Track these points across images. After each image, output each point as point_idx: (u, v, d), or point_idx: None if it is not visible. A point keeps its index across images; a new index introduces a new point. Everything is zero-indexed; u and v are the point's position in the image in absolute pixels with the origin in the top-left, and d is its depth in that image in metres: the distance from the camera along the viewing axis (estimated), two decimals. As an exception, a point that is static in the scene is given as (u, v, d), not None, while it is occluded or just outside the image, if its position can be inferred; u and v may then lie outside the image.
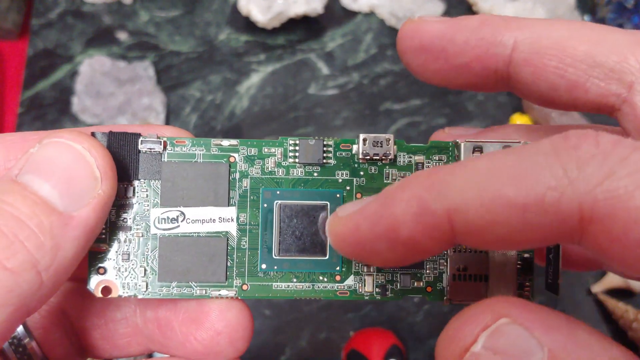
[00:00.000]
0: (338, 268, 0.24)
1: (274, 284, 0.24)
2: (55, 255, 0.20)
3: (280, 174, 0.25)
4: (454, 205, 0.17)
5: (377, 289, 0.24)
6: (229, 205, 0.24)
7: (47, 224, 0.20)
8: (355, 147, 0.25)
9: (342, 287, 0.24)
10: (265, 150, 0.25)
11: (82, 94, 0.67)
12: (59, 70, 0.69)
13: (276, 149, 0.25)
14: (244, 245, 0.25)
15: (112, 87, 0.67)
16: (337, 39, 0.70)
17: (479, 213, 0.17)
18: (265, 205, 0.25)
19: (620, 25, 0.67)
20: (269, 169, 0.25)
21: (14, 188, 0.20)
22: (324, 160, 0.25)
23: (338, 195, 0.25)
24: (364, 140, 0.24)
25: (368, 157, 0.24)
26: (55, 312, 0.27)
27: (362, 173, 0.25)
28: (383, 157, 0.25)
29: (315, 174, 0.25)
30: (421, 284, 0.24)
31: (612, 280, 0.61)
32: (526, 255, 0.24)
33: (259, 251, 0.25)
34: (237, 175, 0.25)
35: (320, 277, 0.25)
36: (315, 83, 0.69)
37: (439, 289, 0.24)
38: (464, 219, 0.17)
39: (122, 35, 0.70)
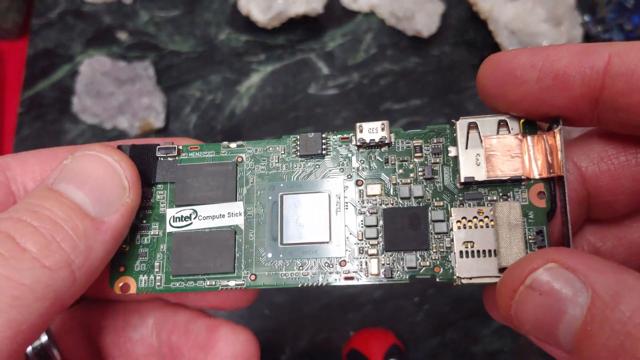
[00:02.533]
0: (341, 253, 0.25)
1: (280, 273, 0.25)
2: (88, 256, 0.22)
3: (284, 169, 0.26)
4: (616, 50, 0.20)
5: (382, 272, 0.25)
6: (236, 201, 0.26)
7: (81, 227, 0.22)
8: (354, 138, 0.26)
9: (347, 272, 0.25)
10: (270, 148, 0.26)
11: (82, 94, 0.67)
12: (59, 70, 0.69)
13: (279, 146, 0.26)
14: (251, 237, 0.26)
15: (112, 87, 0.67)
16: (337, 38, 0.70)
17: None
18: (271, 197, 0.26)
19: (620, 25, 0.67)
20: (274, 165, 0.26)
21: (51, 195, 0.22)
22: (324, 152, 0.26)
23: (339, 184, 0.26)
24: (360, 128, 0.25)
25: (365, 144, 0.25)
26: (78, 328, 0.28)
27: (362, 160, 0.26)
28: (380, 143, 0.25)
29: (318, 166, 0.26)
30: (427, 263, 0.25)
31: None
32: (535, 227, 0.25)
33: (265, 241, 0.26)
34: (245, 173, 0.26)
35: (325, 263, 0.25)
36: (315, 83, 0.69)
37: (447, 269, 0.24)
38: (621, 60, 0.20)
39: (122, 35, 0.70)
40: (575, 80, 0.22)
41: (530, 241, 0.24)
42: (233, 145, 0.27)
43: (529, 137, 0.24)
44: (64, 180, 0.23)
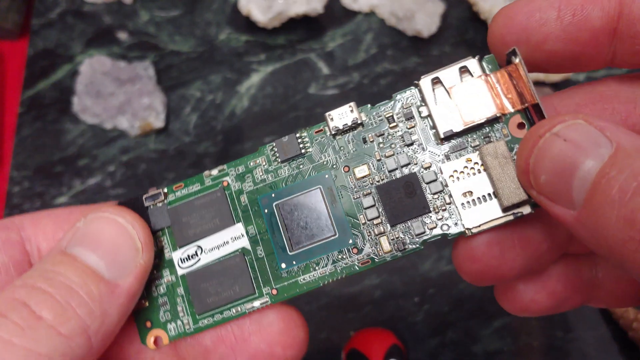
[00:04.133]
0: (351, 241, 0.25)
1: (299, 278, 0.25)
2: (104, 321, 0.22)
3: (270, 178, 0.26)
4: None
5: (395, 246, 0.25)
6: (235, 224, 0.26)
7: (96, 292, 0.22)
8: (327, 128, 0.26)
9: (362, 257, 0.25)
10: (251, 163, 0.26)
11: (82, 94, 0.67)
12: (59, 70, 0.69)
13: (259, 158, 0.26)
14: (260, 254, 0.26)
15: (113, 87, 0.67)
16: (337, 38, 0.70)
17: None
18: (267, 210, 0.26)
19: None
20: (259, 178, 0.26)
21: (64, 259, 0.22)
22: (303, 150, 0.26)
23: (327, 177, 0.26)
24: (330, 117, 0.26)
25: (340, 130, 0.25)
26: None
27: (342, 147, 0.26)
28: (353, 125, 0.25)
29: (302, 166, 0.26)
30: (434, 224, 0.25)
31: (612, 280, 0.61)
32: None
33: (275, 254, 0.25)
34: (234, 194, 0.26)
35: (339, 255, 0.25)
36: (316, 83, 0.69)
37: (455, 224, 0.24)
38: None
39: (123, 35, 0.70)
40: (594, 12, 0.22)
41: None
42: (215, 172, 0.27)
43: (492, 75, 0.24)
44: (78, 244, 0.23)
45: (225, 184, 0.26)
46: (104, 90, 0.67)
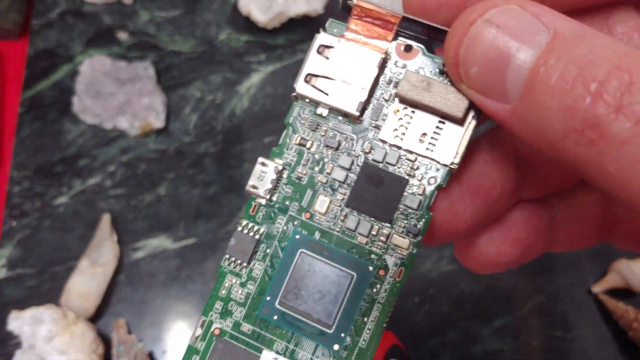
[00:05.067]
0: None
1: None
2: None
3: (250, 287, 0.23)
4: None
5: (409, 236, 0.22)
6: (260, 354, 0.22)
7: None
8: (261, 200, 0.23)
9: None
10: (222, 292, 0.23)
11: (82, 94, 0.67)
12: (59, 70, 0.69)
13: (226, 280, 0.23)
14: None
15: (113, 87, 0.67)
16: (337, 39, 0.71)
17: None
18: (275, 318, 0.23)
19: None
20: (243, 296, 0.23)
21: None
22: (257, 237, 0.23)
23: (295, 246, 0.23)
24: (252, 187, 0.23)
25: (271, 190, 0.23)
26: None
27: (286, 201, 0.23)
28: (278, 177, 0.23)
29: (267, 250, 0.23)
30: (423, 187, 0.22)
31: (612, 280, 0.61)
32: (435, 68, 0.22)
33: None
34: (233, 333, 0.23)
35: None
36: (316, 83, 0.69)
37: (437, 170, 0.22)
38: None
39: (123, 35, 0.70)
40: None
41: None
42: (198, 331, 0.23)
43: (346, 32, 0.23)
44: None
45: (217, 332, 0.23)
46: (104, 90, 0.67)
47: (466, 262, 0.25)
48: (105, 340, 0.59)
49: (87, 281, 0.59)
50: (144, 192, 0.65)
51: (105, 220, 0.63)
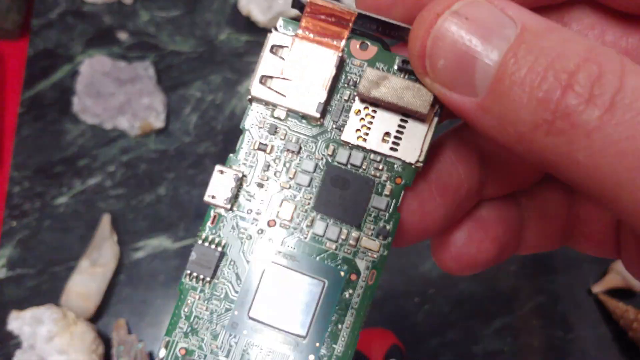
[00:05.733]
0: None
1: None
2: None
3: (216, 304, 0.22)
4: None
5: (380, 238, 0.22)
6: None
7: None
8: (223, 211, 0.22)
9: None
10: (185, 310, 0.22)
11: (82, 94, 0.67)
12: (59, 70, 0.69)
13: (189, 297, 0.22)
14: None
15: (113, 87, 0.67)
16: (337, 39, 0.71)
17: None
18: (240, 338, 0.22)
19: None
20: (209, 312, 0.22)
21: None
22: (220, 249, 0.22)
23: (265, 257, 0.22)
24: (211, 197, 0.22)
25: (231, 198, 0.22)
26: None
27: (248, 210, 0.22)
28: (238, 184, 0.22)
29: (233, 264, 0.22)
30: (390, 187, 0.22)
31: (612, 280, 0.61)
32: (397, 60, 0.22)
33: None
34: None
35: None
36: (316, 83, 0.69)
37: (403, 169, 0.22)
38: None
39: (123, 35, 0.70)
40: None
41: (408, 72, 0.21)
42: (162, 352, 0.22)
43: (299, 30, 0.22)
44: None
45: (182, 352, 0.21)
46: (104, 90, 0.67)
47: (445, 263, 0.25)
48: (105, 340, 0.59)
49: (87, 281, 0.59)
50: (144, 192, 0.65)
51: (105, 220, 0.63)
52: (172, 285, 0.62)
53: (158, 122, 0.66)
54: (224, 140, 0.67)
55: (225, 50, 0.70)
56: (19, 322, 0.55)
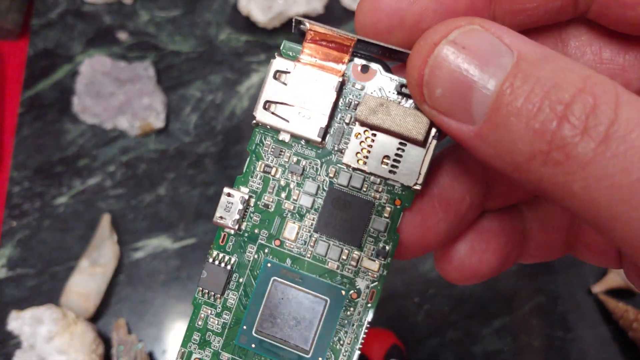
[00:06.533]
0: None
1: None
2: None
3: (226, 317, 0.23)
4: None
5: (380, 258, 0.22)
6: None
7: None
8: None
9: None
10: (199, 323, 0.23)
11: (82, 94, 0.67)
12: (59, 70, 0.69)
13: (202, 311, 0.23)
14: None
15: (113, 87, 0.67)
16: (337, 39, 0.71)
17: None
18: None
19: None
20: (219, 325, 0.23)
21: None
22: (229, 267, 0.23)
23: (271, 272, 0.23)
24: (221, 218, 0.23)
25: (239, 220, 0.23)
26: None
27: (255, 230, 0.23)
28: (245, 206, 0.23)
29: (240, 279, 0.23)
30: (390, 209, 0.23)
31: (612, 280, 0.61)
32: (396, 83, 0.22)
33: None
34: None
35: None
36: (316, 83, 0.69)
37: (403, 192, 0.22)
38: None
39: (123, 35, 0.70)
40: None
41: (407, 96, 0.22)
42: None
43: (301, 56, 0.22)
44: None
45: None
46: (104, 90, 0.67)
47: (448, 274, 0.26)
48: (105, 340, 0.59)
49: (87, 281, 0.59)
50: (144, 192, 0.65)
51: (105, 220, 0.63)
52: (172, 285, 0.62)
53: (158, 122, 0.66)
54: (224, 140, 0.67)
55: (225, 50, 0.70)
56: (19, 322, 0.55)
